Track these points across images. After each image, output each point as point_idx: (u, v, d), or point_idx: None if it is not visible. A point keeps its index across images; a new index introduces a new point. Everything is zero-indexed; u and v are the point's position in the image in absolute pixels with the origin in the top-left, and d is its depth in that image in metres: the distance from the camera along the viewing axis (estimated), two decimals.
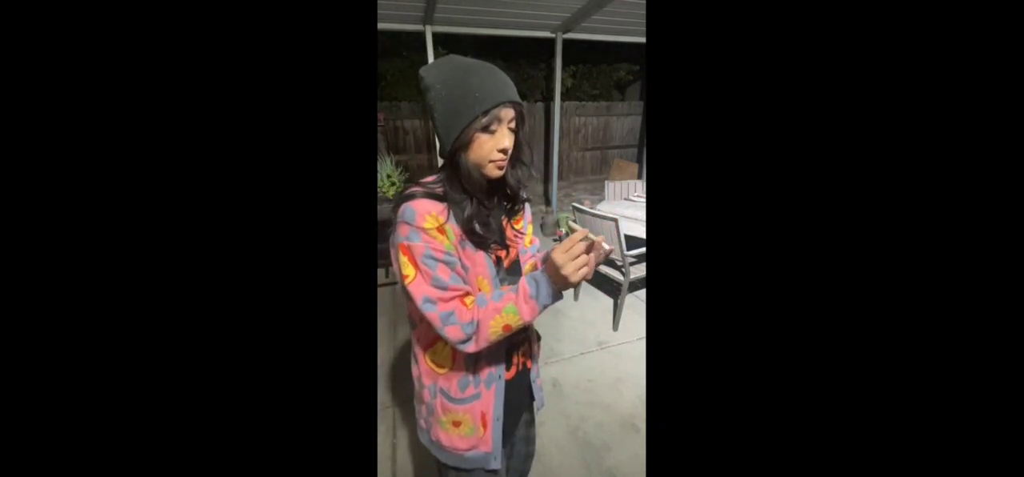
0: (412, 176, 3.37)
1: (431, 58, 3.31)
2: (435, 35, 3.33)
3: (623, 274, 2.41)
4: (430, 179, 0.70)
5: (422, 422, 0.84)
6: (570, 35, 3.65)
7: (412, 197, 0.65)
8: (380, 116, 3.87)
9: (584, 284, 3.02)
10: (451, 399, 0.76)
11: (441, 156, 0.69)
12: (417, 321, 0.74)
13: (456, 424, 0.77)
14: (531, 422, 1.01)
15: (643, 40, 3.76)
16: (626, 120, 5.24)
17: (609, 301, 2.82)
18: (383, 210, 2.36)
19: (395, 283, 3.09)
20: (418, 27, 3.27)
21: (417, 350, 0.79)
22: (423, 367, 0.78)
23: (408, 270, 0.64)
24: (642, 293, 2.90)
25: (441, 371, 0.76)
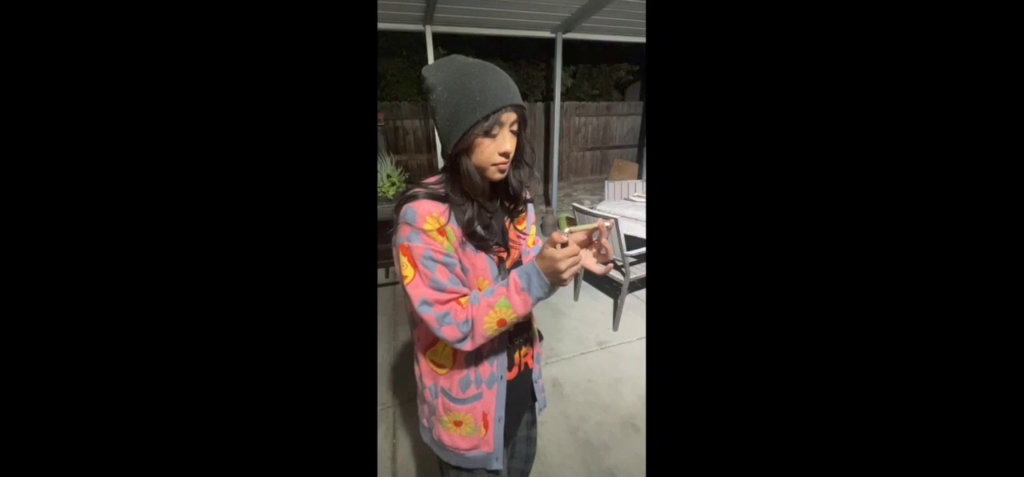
0: (412, 176, 3.37)
1: (431, 58, 3.31)
2: (435, 35, 3.33)
3: (623, 274, 2.40)
4: (432, 180, 0.70)
5: (424, 421, 0.84)
6: (570, 35, 3.65)
7: (414, 198, 0.65)
8: (380, 116, 3.87)
9: (584, 284, 3.02)
10: (452, 399, 0.76)
11: (443, 157, 0.69)
12: (417, 321, 0.74)
13: (457, 424, 0.78)
14: (532, 423, 1.00)
15: (643, 40, 3.75)
16: (626, 120, 5.24)
17: (609, 301, 2.82)
18: (383, 210, 2.36)
19: (395, 283, 3.09)
20: (418, 27, 3.27)
21: (418, 350, 0.79)
22: (424, 367, 0.78)
23: (407, 270, 0.64)
24: (642, 293, 2.90)
25: (442, 371, 0.76)
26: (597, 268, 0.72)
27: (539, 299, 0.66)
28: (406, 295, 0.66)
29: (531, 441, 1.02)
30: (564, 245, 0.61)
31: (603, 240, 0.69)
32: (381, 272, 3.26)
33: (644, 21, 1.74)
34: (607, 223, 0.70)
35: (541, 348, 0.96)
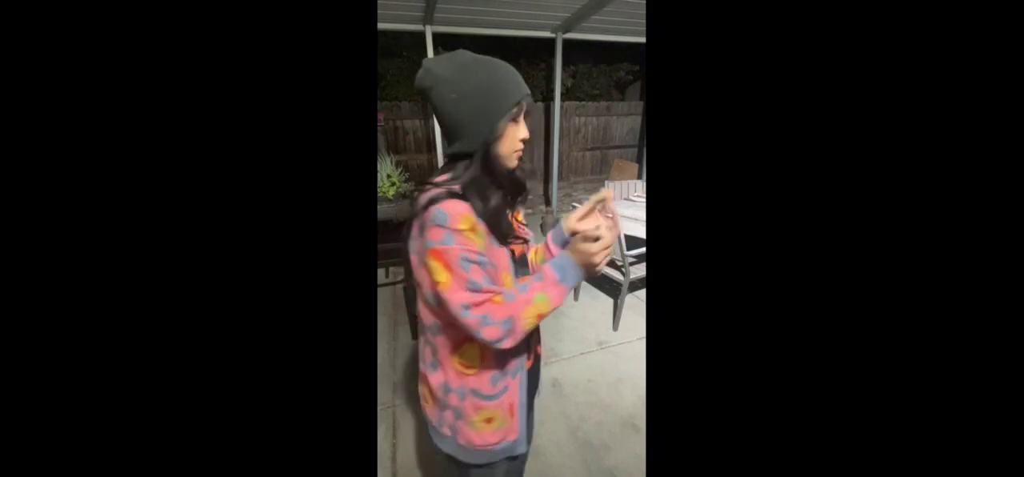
0: (412, 176, 3.36)
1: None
2: (435, 35, 3.33)
3: (623, 274, 2.40)
4: (444, 178, 0.69)
5: (446, 430, 0.80)
6: (570, 35, 3.65)
7: (438, 199, 0.63)
8: (380, 116, 3.86)
9: (584, 284, 3.02)
10: (483, 397, 0.76)
11: (455, 152, 0.68)
12: (443, 326, 0.73)
13: (488, 421, 0.77)
14: (532, 408, 1.03)
15: (643, 40, 3.75)
16: (626, 120, 5.24)
17: (609, 301, 2.82)
18: (383, 210, 2.35)
19: (395, 283, 3.09)
20: (418, 27, 3.27)
21: (442, 356, 0.76)
22: (450, 372, 0.76)
23: (442, 276, 0.62)
24: (642, 293, 2.90)
25: (470, 372, 0.75)
26: None
27: (571, 288, 0.70)
28: (440, 301, 0.65)
29: (532, 426, 1.04)
30: (596, 239, 0.67)
31: (610, 205, 0.77)
32: (381, 272, 3.26)
33: (644, 21, 1.74)
34: (611, 191, 0.78)
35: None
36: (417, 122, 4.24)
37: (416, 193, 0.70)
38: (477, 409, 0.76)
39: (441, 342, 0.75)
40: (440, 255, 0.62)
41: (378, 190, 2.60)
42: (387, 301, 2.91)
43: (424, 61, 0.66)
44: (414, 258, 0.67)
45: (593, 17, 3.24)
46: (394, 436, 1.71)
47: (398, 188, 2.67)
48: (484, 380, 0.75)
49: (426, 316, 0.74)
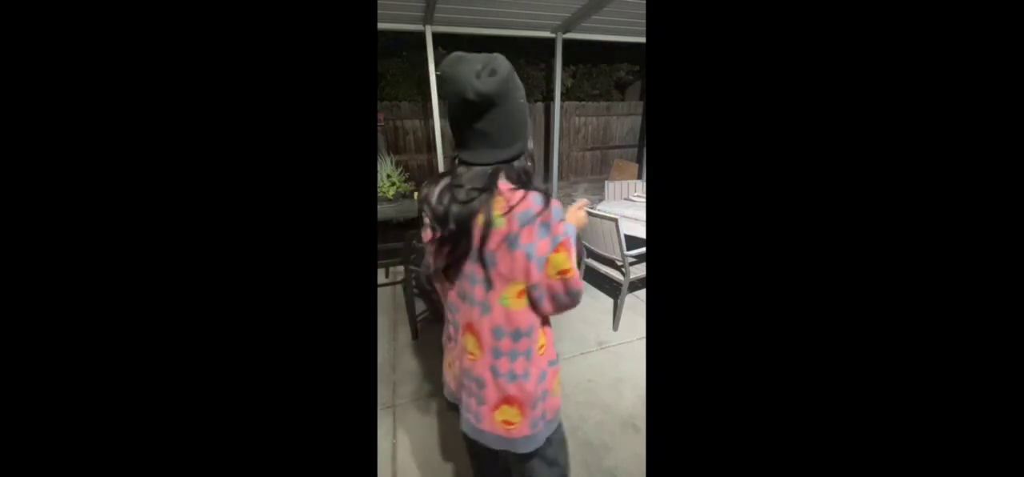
0: (412, 176, 3.34)
1: (431, 58, 3.31)
2: (435, 35, 3.33)
3: (623, 274, 2.40)
4: (511, 183, 0.69)
5: (541, 425, 0.81)
6: (570, 35, 3.65)
7: (543, 198, 0.67)
8: (380, 116, 3.86)
9: (584, 284, 3.02)
10: (555, 362, 0.84)
11: (516, 152, 0.70)
12: (538, 321, 0.76)
13: (560, 381, 0.87)
14: None
15: (643, 40, 3.75)
16: (626, 120, 5.24)
17: (609, 301, 2.82)
18: (383, 210, 2.35)
19: (395, 283, 3.09)
20: (418, 27, 3.26)
21: (534, 353, 0.77)
22: (538, 363, 0.79)
23: (568, 263, 0.69)
24: (642, 293, 2.90)
25: (543, 350, 0.80)
26: None
27: None
28: (564, 288, 0.70)
29: None
30: (580, 207, 0.86)
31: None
32: (381, 272, 3.25)
33: (644, 21, 1.74)
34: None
35: None
36: (417, 122, 4.22)
37: (501, 203, 0.66)
38: (556, 374, 0.84)
39: (534, 338, 0.78)
40: (568, 245, 0.69)
41: (378, 190, 2.60)
42: (387, 301, 2.90)
43: (492, 60, 0.63)
44: (532, 263, 0.67)
45: (593, 17, 3.24)
46: (394, 436, 1.71)
47: (398, 188, 2.67)
48: (550, 349, 0.83)
49: (523, 320, 0.73)
